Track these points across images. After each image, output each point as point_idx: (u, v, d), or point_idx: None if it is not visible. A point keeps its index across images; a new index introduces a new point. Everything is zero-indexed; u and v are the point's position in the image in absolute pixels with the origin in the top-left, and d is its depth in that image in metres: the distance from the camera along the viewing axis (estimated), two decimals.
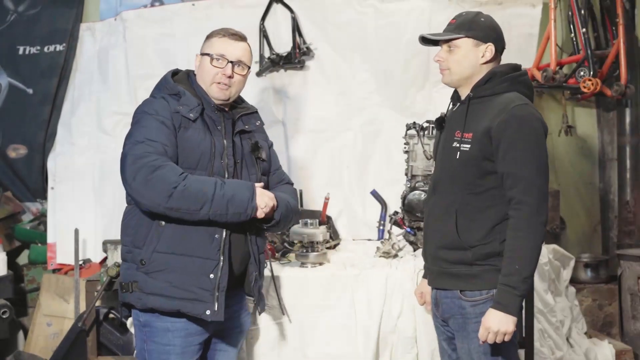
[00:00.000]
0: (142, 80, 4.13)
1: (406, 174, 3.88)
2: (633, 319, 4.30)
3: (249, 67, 2.54)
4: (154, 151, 2.31)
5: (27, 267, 4.55)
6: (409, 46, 4.26)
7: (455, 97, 2.61)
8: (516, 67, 2.54)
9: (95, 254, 4.28)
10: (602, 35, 4.62)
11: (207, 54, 2.48)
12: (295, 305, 3.28)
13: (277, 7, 4.33)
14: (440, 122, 2.62)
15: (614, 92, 4.33)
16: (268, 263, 3.21)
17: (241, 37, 2.53)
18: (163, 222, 2.36)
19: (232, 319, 2.52)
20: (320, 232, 3.50)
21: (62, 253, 4.33)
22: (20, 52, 4.69)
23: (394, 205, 4.06)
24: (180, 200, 2.27)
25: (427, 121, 3.78)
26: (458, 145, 2.45)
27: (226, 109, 2.54)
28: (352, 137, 4.33)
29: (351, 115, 4.34)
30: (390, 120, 4.29)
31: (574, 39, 4.38)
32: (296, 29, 4.26)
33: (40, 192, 4.69)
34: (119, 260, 3.58)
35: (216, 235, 2.38)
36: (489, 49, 2.48)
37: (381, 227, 4.15)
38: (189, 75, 2.58)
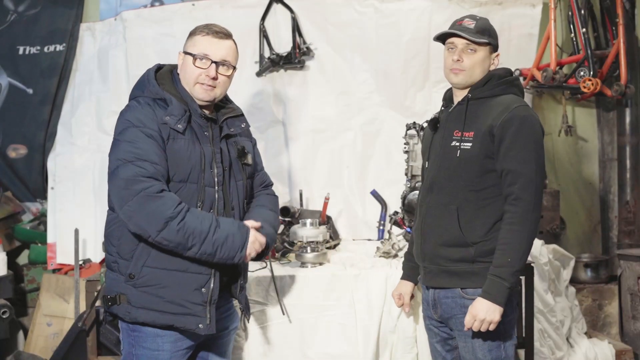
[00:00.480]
0: None
1: (406, 174, 3.88)
2: (633, 319, 4.30)
3: (235, 67, 2.42)
4: (147, 174, 2.22)
5: (27, 267, 4.55)
6: (409, 46, 4.27)
7: (448, 98, 2.66)
8: (510, 71, 2.61)
9: (95, 254, 4.28)
10: (602, 35, 4.62)
11: (190, 54, 2.37)
12: (295, 305, 3.28)
13: (277, 7, 4.33)
14: (434, 123, 2.63)
15: (614, 92, 4.34)
16: (268, 263, 3.22)
17: (226, 35, 2.41)
18: None
19: (221, 321, 2.48)
20: (320, 232, 3.50)
21: (62, 253, 4.33)
22: (20, 52, 4.70)
23: (394, 205, 4.06)
24: (170, 236, 2.21)
25: (427, 121, 3.78)
26: (458, 144, 2.49)
27: (209, 112, 2.44)
28: (352, 137, 4.33)
29: (351, 115, 4.34)
30: (390, 120, 4.30)
31: (574, 39, 4.38)
32: (296, 29, 4.26)
33: (40, 192, 4.69)
34: None
35: None
36: (497, 58, 2.57)
37: (381, 227, 4.15)
38: (173, 73, 2.46)
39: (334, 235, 4.12)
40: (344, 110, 4.34)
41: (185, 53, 2.40)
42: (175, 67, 2.49)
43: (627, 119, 4.67)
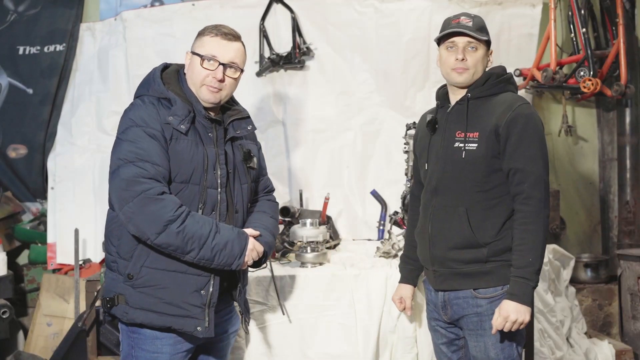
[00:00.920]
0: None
1: (406, 174, 3.88)
2: (633, 319, 4.30)
3: (242, 70, 2.40)
4: (148, 175, 2.20)
5: (27, 267, 4.55)
6: (409, 46, 4.27)
7: (443, 96, 2.63)
8: (505, 69, 2.60)
9: (95, 254, 4.28)
10: (602, 35, 4.62)
11: (198, 54, 2.34)
12: (295, 305, 3.27)
13: (277, 7, 4.33)
14: (433, 124, 2.60)
15: (614, 92, 4.33)
16: (268, 263, 3.21)
17: (235, 37, 2.37)
18: None
19: (221, 324, 2.47)
20: (320, 232, 3.50)
21: (62, 253, 4.33)
22: (20, 52, 4.70)
23: (394, 205, 4.06)
24: (170, 240, 2.19)
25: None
26: (462, 145, 2.46)
27: (214, 114, 2.41)
28: (352, 137, 4.33)
29: (351, 115, 4.34)
30: (390, 120, 4.30)
31: (574, 39, 4.38)
32: (296, 29, 4.26)
33: (40, 192, 4.69)
34: None
35: None
36: (492, 55, 2.56)
37: (381, 227, 4.15)
38: (179, 73, 2.44)
39: (334, 235, 4.12)
40: (344, 110, 4.34)
41: (193, 53, 2.37)
42: (182, 66, 2.46)
43: (627, 119, 4.67)
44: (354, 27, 4.33)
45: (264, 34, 4.30)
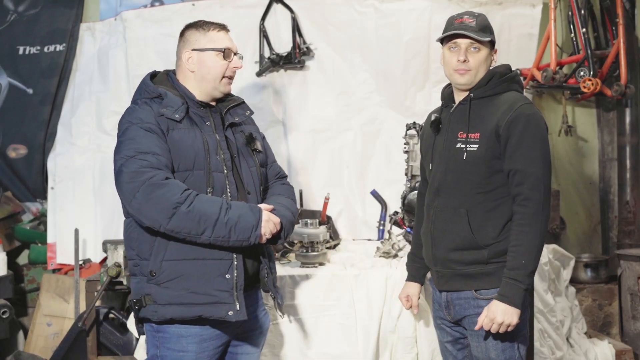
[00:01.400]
0: None
1: (406, 174, 3.88)
2: (633, 319, 4.30)
3: None
4: (149, 165, 2.23)
5: (27, 267, 4.55)
6: (409, 46, 4.27)
7: (448, 96, 2.61)
8: (509, 67, 2.58)
9: (95, 254, 4.28)
10: (602, 35, 4.62)
11: (214, 49, 2.41)
12: (296, 305, 3.28)
13: (277, 7, 4.33)
14: (437, 125, 2.60)
15: (614, 92, 4.33)
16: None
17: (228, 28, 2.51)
18: None
19: (251, 320, 2.46)
20: (320, 232, 3.50)
21: (62, 253, 4.33)
22: (20, 52, 4.70)
23: (394, 205, 4.06)
24: (182, 222, 2.19)
25: (426, 120, 3.78)
26: (464, 146, 2.46)
27: (212, 103, 2.47)
28: (352, 137, 4.33)
29: (351, 115, 4.34)
30: (390, 120, 4.30)
31: (574, 39, 4.38)
32: (296, 29, 4.26)
33: (40, 192, 4.69)
34: (119, 260, 3.61)
35: None
36: (496, 54, 2.54)
37: (381, 227, 4.15)
38: (169, 75, 2.50)
39: (334, 235, 4.12)
40: (344, 110, 4.34)
41: (203, 50, 2.42)
42: (170, 71, 2.52)
43: (627, 119, 4.66)
44: (354, 27, 4.33)
45: (264, 34, 4.30)
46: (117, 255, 3.64)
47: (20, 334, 4.46)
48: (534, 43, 4.44)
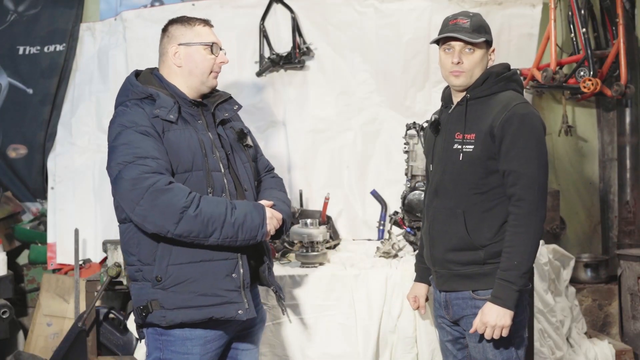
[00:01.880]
0: None
1: (406, 174, 3.88)
2: (633, 319, 4.30)
3: None
4: (151, 170, 2.18)
5: (27, 267, 4.55)
6: (409, 46, 4.27)
7: (447, 97, 2.61)
8: (507, 66, 2.56)
9: (95, 254, 4.28)
10: (602, 35, 4.62)
11: (201, 43, 2.40)
12: (295, 305, 3.28)
13: (277, 7, 4.33)
14: (436, 125, 2.60)
15: (614, 92, 4.33)
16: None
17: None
18: None
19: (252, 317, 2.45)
20: (320, 232, 3.50)
21: (62, 253, 4.33)
22: (20, 52, 4.70)
23: (394, 205, 4.06)
24: (190, 226, 2.16)
25: (427, 121, 3.78)
26: (460, 146, 2.45)
27: (200, 100, 2.45)
28: (352, 137, 4.33)
29: (351, 115, 4.34)
30: (390, 120, 4.30)
31: (574, 39, 4.38)
32: (296, 29, 4.26)
33: (40, 192, 4.69)
34: (119, 260, 3.60)
35: None
36: (494, 53, 2.53)
37: (381, 227, 4.15)
38: (154, 73, 2.45)
39: (334, 235, 4.12)
40: (344, 110, 4.34)
41: (189, 45, 2.41)
42: (153, 69, 2.48)
43: (627, 119, 4.66)
44: (354, 27, 4.32)
45: (264, 34, 4.29)
46: (117, 255, 3.63)
47: (20, 334, 4.46)
48: (534, 43, 4.44)
